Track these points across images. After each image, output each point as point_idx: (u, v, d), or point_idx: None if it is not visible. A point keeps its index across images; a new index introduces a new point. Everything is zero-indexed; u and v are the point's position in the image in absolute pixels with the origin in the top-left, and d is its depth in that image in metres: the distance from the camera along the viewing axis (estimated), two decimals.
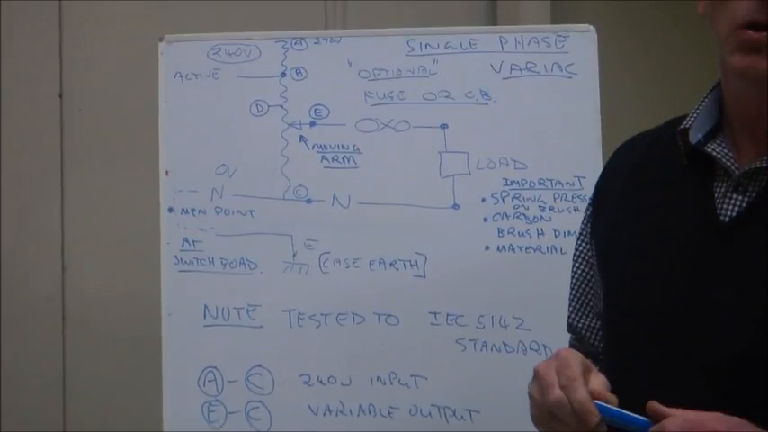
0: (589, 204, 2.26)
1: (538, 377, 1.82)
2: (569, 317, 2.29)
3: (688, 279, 1.89)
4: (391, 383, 3.05)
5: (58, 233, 3.80)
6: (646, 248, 2.02)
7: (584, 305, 2.24)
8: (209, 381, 3.05)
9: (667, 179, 2.00)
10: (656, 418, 1.64)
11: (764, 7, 1.68)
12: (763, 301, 1.76)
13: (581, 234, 2.27)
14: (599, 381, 1.76)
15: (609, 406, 1.69)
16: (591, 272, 2.21)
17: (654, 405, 1.64)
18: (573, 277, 2.27)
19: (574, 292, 2.27)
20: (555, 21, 4.28)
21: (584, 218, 2.27)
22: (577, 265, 2.26)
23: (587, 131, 3.06)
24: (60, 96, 3.78)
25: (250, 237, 3.09)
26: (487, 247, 3.08)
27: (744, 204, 1.84)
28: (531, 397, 1.89)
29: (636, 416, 1.68)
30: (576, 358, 1.77)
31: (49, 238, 3.80)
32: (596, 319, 2.20)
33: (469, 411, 3.03)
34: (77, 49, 3.83)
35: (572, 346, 2.29)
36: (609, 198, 2.16)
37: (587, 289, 2.23)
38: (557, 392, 1.73)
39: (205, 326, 3.07)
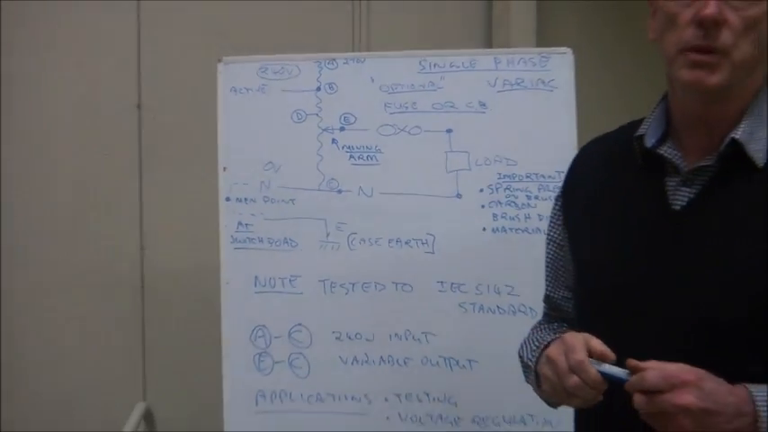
0: (558, 197, 2.27)
1: (551, 362, 1.85)
2: (546, 290, 2.31)
3: (646, 257, 1.93)
4: (406, 339, 3.09)
5: (137, 220, 3.83)
6: (611, 233, 2.03)
7: (558, 281, 2.25)
8: (259, 337, 3.09)
9: (627, 176, 2.01)
10: (635, 372, 1.66)
11: (704, 35, 1.72)
12: (710, 275, 1.81)
13: (552, 222, 2.27)
14: (596, 342, 1.77)
15: (602, 368, 1.72)
16: (562, 253, 2.22)
17: (632, 362, 1.68)
18: (547, 258, 2.28)
19: (548, 270, 2.28)
20: (539, 44, 4.27)
21: (554, 208, 2.27)
22: (551, 247, 2.26)
23: (565, 134, 3.09)
24: (138, 107, 3.80)
25: (291, 221, 3.12)
26: (484, 229, 3.12)
27: (692, 196, 1.87)
28: (544, 376, 1.93)
29: (619, 371, 1.70)
30: (579, 341, 1.79)
31: (131, 224, 3.83)
32: (569, 291, 2.21)
33: (470, 361, 3.07)
34: (152, 67, 3.86)
35: (546, 314, 2.33)
36: (577, 193, 2.18)
37: (560, 268, 2.24)
38: (574, 378, 1.75)
39: (255, 292, 3.11)
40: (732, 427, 1.65)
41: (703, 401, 1.62)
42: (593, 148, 2.21)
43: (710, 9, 1.72)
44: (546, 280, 2.29)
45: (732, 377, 1.70)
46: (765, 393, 1.68)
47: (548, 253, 2.27)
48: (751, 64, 1.82)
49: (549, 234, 2.27)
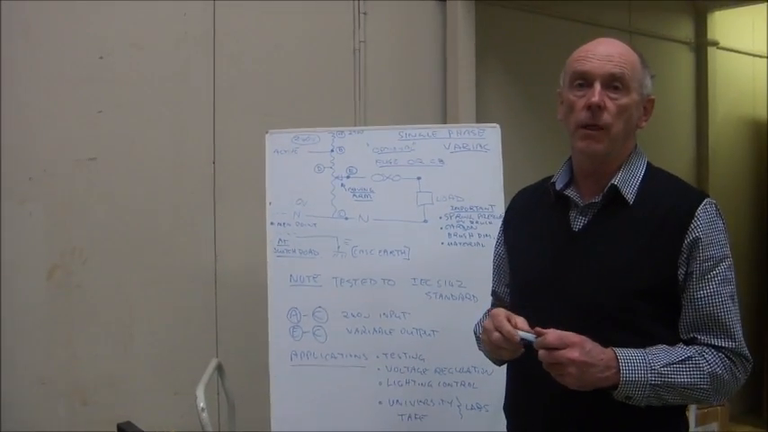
0: (501, 225, 2.32)
1: (485, 329, 1.92)
2: (492, 287, 2.33)
3: (555, 263, 2.00)
4: (390, 317, 3.15)
5: (212, 237, 3.80)
6: (533, 247, 2.11)
7: (500, 280, 2.28)
8: (292, 315, 3.14)
9: (544, 209, 2.09)
10: (540, 336, 1.75)
11: (592, 117, 1.86)
12: (594, 275, 1.92)
13: (497, 242, 2.32)
14: (521, 319, 1.84)
15: (521, 333, 1.79)
16: (503, 263, 2.26)
17: (539, 329, 1.76)
18: (493, 265, 2.31)
19: (494, 273, 2.31)
20: (478, 120, 4.30)
21: (499, 231, 2.32)
22: (495, 258, 2.31)
23: (496, 181, 3.20)
24: (213, 163, 3.80)
25: (313, 238, 3.17)
26: (442, 243, 3.19)
27: (586, 222, 1.99)
28: (482, 339, 2.02)
29: (531, 336, 1.78)
30: (501, 312, 1.87)
31: (209, 240, 3.80)
32: (507, 287, 2.24)
33: (433, 331, 3.13)
34: (222, 136, 3.85)
35: (492, 303, 2.32)
36: (512, 222, 2.24)
37: (502, 272, 2.27)
38: (495, 335, 1.83)
39: (290, 286, 3.14)
40: (603, 375, 1.74)
41: (584, 356, 1.71)
42: (521, 195, 2.27)
43: (596, 98, 1.85)
44: (492, 280, 2.32)
45: (606, 342, 1.78)
46: (625, 354, 1.76)
47: (494, 262, 2.31)
48: (623, 136, 1.93)
49: (495, 249, 2.32)
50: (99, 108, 3.61)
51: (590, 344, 1.74)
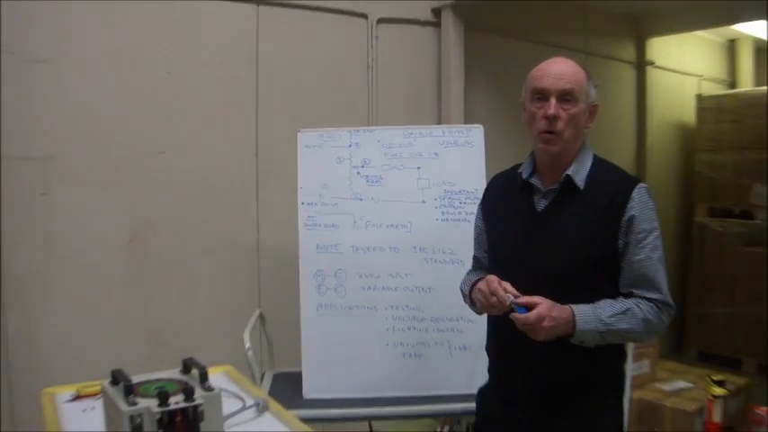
0: (480, 203, 2.30)
1: (480, 290, 1.96)
2: (474, 252, 2.32)
3: (522, 236, 2.02)
4: (396, 277, 3.10)
5: (255, 214, 3.81)
6: (505, 224, 2.12)
7: (480, 247, 2.27)
8: (318, 276, 3.09)
9: (513, 193, 2.09)
10: (528, 304, 1.82)
11: (548, 124, 1.90)
12: (554, 247, 1.95)
13: (476, 217, 2.31)
14: (508, 284, 1.88)
15: (512, 299, 1.84)
16: (481, 233, 2.26)
17: (523, 298, 1.83)
18: (474, 235, 2.31)
19: (475, 242, 2.30)
20: (466, 121, 4.30)
21: (478, 208, 2.31)
22: (476, 230, 2.30)
23: (479, 169, 3.14)
24: (256, 155, 3.81)
25: (335, 215, 3.10)
26: (437, 219, 3.12)
27: (546, 204, 2.00)
28: (476, 298, 2.04)
29: (521, 305, 1.83)
30: (494, 279, 1.91)
31: (252, 217, 3.81)
32: (485, 252, 2.23)
33: (429, 288, 3.08)
34: (263, 134, 3.86)
35: (473, 266, 2.33)
36: (488, 201, 2.25)
37: (481, 240, 2.26)
38: (493, 299, 1.88)
39: (317, 252, 3.09)
40: (565, 330, 1.82)
41: (552, 322, 1.79)
42: (495, 180, 2.27)
43: (552, 110, 1.90)
44: (474, 247, 2.32)
45: (563, 298, 1.86)
46: (580, 310, 1.84)
47: (474, 232, 2.31)
48: (574, 137, 1.96)
49: (475, 222, 2.31)
50: (167, 112, 3.60)
51: (556, 310, 1.82)
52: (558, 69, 1.94)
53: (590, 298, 1.88)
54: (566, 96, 1.91)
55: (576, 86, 1.92)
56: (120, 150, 3.47)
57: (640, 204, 1.89)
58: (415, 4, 4.44)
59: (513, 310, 1.84)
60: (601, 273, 1.92)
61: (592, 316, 1.83)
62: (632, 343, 2.19)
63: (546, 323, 1.79)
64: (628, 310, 1.86)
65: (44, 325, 3.28)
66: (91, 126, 3.39)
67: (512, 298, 1.84)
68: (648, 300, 1.89)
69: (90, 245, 3.41)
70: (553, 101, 1.91)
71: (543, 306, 1.81)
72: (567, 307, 1.84)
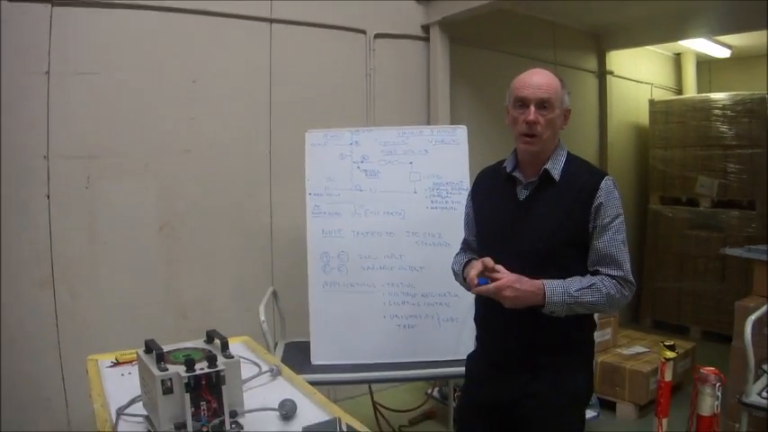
0: (469, 193, 2.25)
1: (469, 276, 1.93)
2: (464, 235, 2.27)
3: (507, 221, 1.99)
4: (391, 257, 3.06)
5: (268, 203, 3.80)
6: (492, 210, 2.08)
7: (470, 230, 2.21)
8: (323, 257, 3.04)
9: (498, 185, 2.06)
10: (491, 278, 1.87)
11: (529, 128, 1.90)
12: (533, 229, 1.93)
13: (466, 203, 2.25)
14: (487, 259, 1.90)
15: (479, 279, 1.87)
16: (470, 218, 2.21)
17: (492, 275, 1.87)
18: (464, 220, 2.25)
19: (465, 225, 2.25)
20: (452, 121, 4.29)
21: (468, 197, 2.25)
22: (465, 215, 2.24)
23: (463, 164, 3.09)
24: (269, 153, 3.82)
25: (338, 204, 3.06)
26: (427, 207, 3.08)
27: (527, 194, 1.98)
28: (465, 278, 2.02)
29: (485, 278, 1.87)
30: (479, 263, 1.91)
31: (265, 205, 3.80)
32: (473, 235, 2.19)
33: (421, 267, 3.04)
34: (275, 134, 3.85)
35: (462, 248, 2.28)
36: (477, 192, 2.18)
37: (470, 225, 2.21)
38: (471, 275, 1.89)
39: (322, 237, 3.05)
40: (535, 300, 1.84)
41: (514, 292, 1.83)
42: (484, 173, 2.21)
43: (532, 117, 1.90)
44: (464, 231, 2.26)
45: (541, 274, 1.87)
46: (549, 284, 1.84)
47: (465, 218, 2.25)
48: (550, 138, 1.95)
49: (465, 209, 2.25)
50: (192, 116, 3.60)
51: (522, 282, 1.84)
52: (537, 81, 1.93)
53: (562, 274, 1.87)
54: (543, 104, 1.91)
55: (552, 95, 1.92)
56: (151, 149, 3.47)
57: (607, 194, 1.89)
58: (407, 22, 4.41)
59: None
60: (572, 252, 1.91)
61: (560, 289, 1.84)
62: (597, 314, 2.15)
63: (508, 292, 1.82)
64: (593, 284, 1.85)
65: (88, 301, 3.31)
66: (127, 128, 3.40)
67: (484, 280, 1.88)
68: (612, 277, 1.88)
69: (126, 231, 3.42)
70: (532, 108, 1.90)
71: (505, 279, 1.84)
72: (537, 281, 1.85)
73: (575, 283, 1.85)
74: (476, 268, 1.90)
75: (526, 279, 1.85)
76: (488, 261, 1.89)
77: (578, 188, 1.91)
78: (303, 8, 3.94)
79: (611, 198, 1.89)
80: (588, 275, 1.90)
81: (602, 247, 1.89)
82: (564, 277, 1.87)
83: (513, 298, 1.84)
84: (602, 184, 1.90)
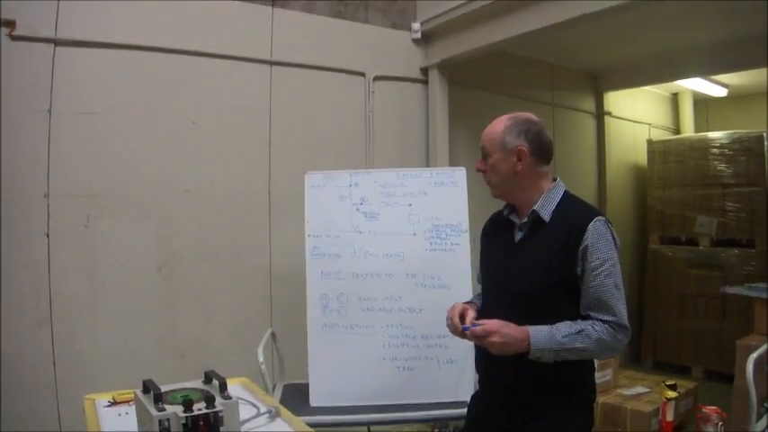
0: (481, 236, 2.23)
1: (448, 315, 2.01)
2: (478, 277, 2.22)
3: (503, 263, 2.03)
4: (390, 299, 3.07)
5: (267, 243, 3.79)
6: (492, 252, 2.12)
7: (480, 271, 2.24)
8: (323, 298, 3.06)
9: (501, 228, 2.08)
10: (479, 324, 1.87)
11: (484, 176, 2.09)
12: (525, 270, 1.93)
13: (481, 247, 2.24)
14: (472, 312, 1.98)
15: (467, 325, 1.91)
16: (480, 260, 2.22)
17: (476, 321, 1.90)
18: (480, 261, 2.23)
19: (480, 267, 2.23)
20: (451, 163, 4.30)
21: (481, 241, 2.23)
22: (480, 256, 2.23)
23: (462, 206, 3.12)
24: (269, 193, 3.83)
25: (337, 246, 3.09)
26: (426, 249, 3.10)
27: (522, 235, 2.00)
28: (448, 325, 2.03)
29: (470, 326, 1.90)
30: (458, 306, 2.01)
31: (265, 245, 3.79)
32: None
33: (420, 310, 3.06)
34: (275, 177, 3.87)
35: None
36: (485, 235, 2.20)
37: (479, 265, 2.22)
38: (449, 323, 1.99)
39: (321, 279, 3.07)
40: (520, 347, 1.83)
41: (501, 338, 1.82)
42: (492, 217, 2.20)
43: (477, 166, 2.05)
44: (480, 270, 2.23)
45: (532, 318, 1.86)
46: (535, 330, 1.83)
47: (480, 260, 2.24)
48: (504, 182, 2.00)
49: (480, 252, 2.24)
50: (191, 156, 3.63)
51: (507, 328, 1.83)
52: (485, 131, 2.03)
53: (554, 318, 1.85)
54: (483, 153, 2.02)
55: (486, 143, 2.01)
56: (151, 189, 3.50)
57: (595, 236, 1.84)
58: (406, 64, 4.47)
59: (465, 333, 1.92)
60: (562, 295, 1.88)
61: (547, 336, 1.81)
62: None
63: (494, 338, 1.81)
64: (582, 330, 1.81)
65: (86, 340, 3.30)
66: (127, 168, 3.43)
67: (469, 326, 1.90)
68: (603, 322, 1.83)
69: (125, 271, 3.42)
70: (480, 158, 2.03)
71: (491, 324, 1.84)
72: (524, 328, 1.83)
73: (563, 329, 1.82)
74: (456, 310, 1.98)
75: (512, 325, 1.84)
76: (470, 318, 1.94)
77: (567, 229, 1.88)
78: (303, 51, 4.00)
79: (600, 240, 1.85)
80: (579, 320, 1.86)
81: (592, 292, 1.84)
82: (556, 321, 1.84)
83: (499, 344, 1.82)
84: (591, 225, 1.85)
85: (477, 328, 1.85)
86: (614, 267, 1.85)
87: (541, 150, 1.98)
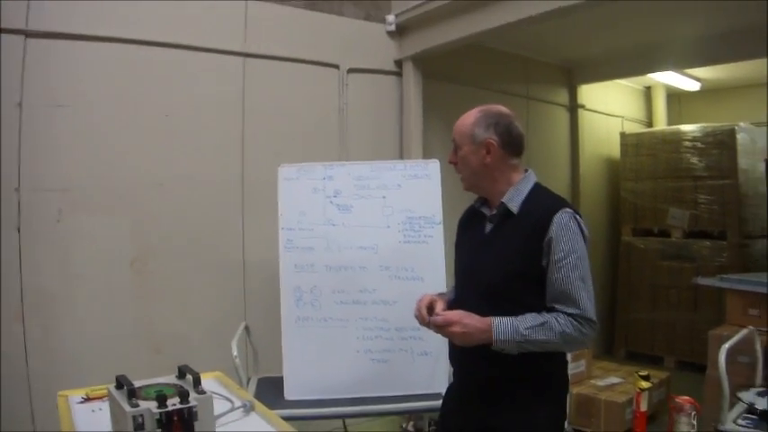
0: (458, 228, 2.22)
1: (416, 306, 2.02)
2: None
3: (473, 255, 2.04)
4: (364, 292, 3.09)
5: (240, 237, 3.79)
6: (464, 245, 2.13)
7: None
8: (296, 291, 3.06)
9: (473, 221, 2.10)
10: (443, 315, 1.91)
11: (455, 168, 2.11)
12: (493, 261, 1.94)
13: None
14: (441, 303, 1.98)
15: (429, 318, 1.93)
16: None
17: (438, 312, 1.93)
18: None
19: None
20: (424, 156, 4.30)
21: (457, 233, 2.22)
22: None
23: (435, 198, 3.14)
24: (242, 184, 3.81)
25: (312, 239, 3.09)
26: (400, 241, 3.11)
27: (491, 227, 2.00)
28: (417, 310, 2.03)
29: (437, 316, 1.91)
30: (426, 297, 2.02)
31: (238, 239, 3.79)
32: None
33: (394, 302, 3.08)
34: (250, 169, 3.86)
35: None
36: (459, 228, 2.18)
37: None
38: (416, 314, 1.99)
39: (294, 271, 3.07)
40: (483, 338, 1.83)
41: (461, 329, 1.84)
42: (467, 210, 2.18)
43: (450, 158, 2.06)
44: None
45: (498, 309, 1.86)
46: (498, 321, 1.83)
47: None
48: (475, 174, 2.01)
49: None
50: (165, 149, 3.62)
51: (468, 318, 1.85)
52: (456, 124, 2.05)
53: (519, 310, 1.84)
54: (454, 145, 2.04)
55: (456, 136, 2.03)
56: (124, 182, 3.48)
57: (559, 228, 1.83)
58: (380, 57, 4.48)
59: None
60: (530, 287, 1.87)
61: (510, 327, 1.80)
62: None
63: (455, 328, 1.83)
64: (545, 323, 1.80)
65: (59, 335, 3.28)
66: (99, 161, 3.41)
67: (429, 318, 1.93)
68: (568, 314, 1.81)
69: (98, 265, 3.40)
70: (452, 150, 2.06)
71: (452, 314, 1.87)
72: (487, 319, 1.83)
73: (527, 321, 1.81)
74: (424, 301, 1.99)
75: (475, 316, 1.84)
76: (439, 307, 1.96)
77: (533, 221, 1.87)
78: (276, 43, 3.99)
79: (565, 232, 1.83)
80: (544, 312, 1.84)
81: (556, 284, 1.83)
82: (522, 313, 1.84)
83: (461, 334, 1.83)
84: (556, 217, 1.84)
85: (438, 318, 1.87)
86: (580, 260, 1.84)
87: (511, 143, 1.97)
